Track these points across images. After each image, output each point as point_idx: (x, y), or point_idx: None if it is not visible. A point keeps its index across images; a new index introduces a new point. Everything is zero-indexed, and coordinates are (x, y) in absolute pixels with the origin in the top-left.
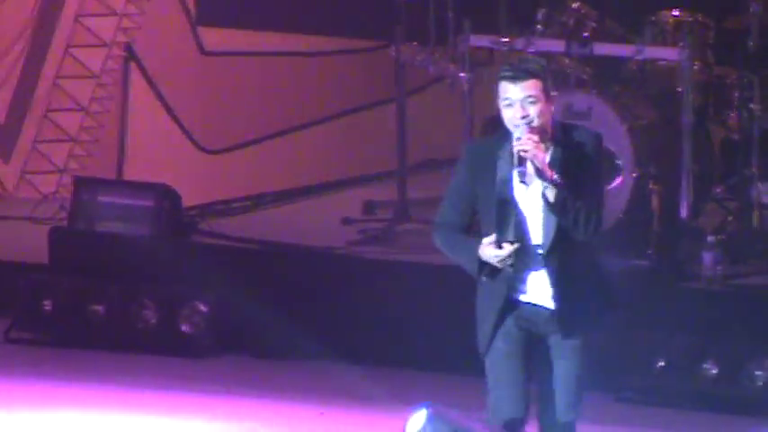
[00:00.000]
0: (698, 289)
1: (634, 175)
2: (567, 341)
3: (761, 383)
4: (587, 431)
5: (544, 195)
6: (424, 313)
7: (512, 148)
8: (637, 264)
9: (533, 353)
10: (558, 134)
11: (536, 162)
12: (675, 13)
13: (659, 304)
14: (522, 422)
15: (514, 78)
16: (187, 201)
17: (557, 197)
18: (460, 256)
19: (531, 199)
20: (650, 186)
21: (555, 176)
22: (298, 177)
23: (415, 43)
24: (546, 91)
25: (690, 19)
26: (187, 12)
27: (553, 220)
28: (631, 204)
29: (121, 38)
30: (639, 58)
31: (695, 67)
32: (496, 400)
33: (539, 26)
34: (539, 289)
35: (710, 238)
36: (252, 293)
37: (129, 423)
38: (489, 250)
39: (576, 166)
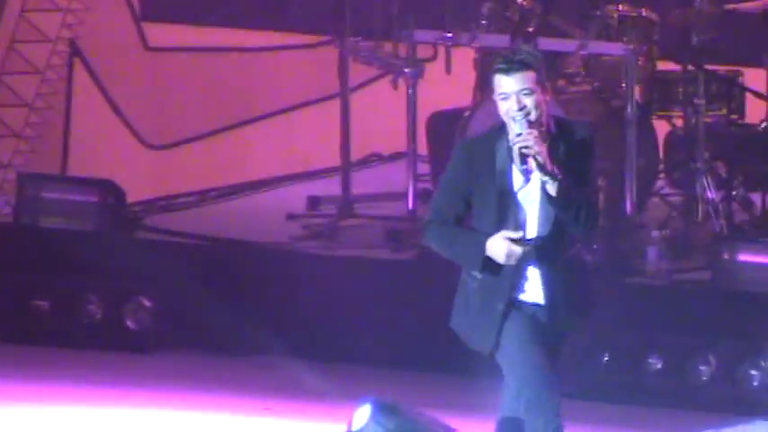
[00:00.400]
0: (642, 284)
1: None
2: (551, 339)
3: (705, 378)
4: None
5: (544, 189)
6: (368, 308)
7: (509, 143)
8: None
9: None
10: (553, 128)
11: (538, 158)
12: (620, 8)
13: (603, 299)
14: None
15: (509, 70)
16: (132, 196)
17: (559, 191)
18: (458, 249)
19: (529, 194)
20: None
21: (556, 170)
22: (242, 173)
23: (360, 39)
24: (541, 82)
25: (634, 14)
26: (131, 7)
27: (550, 214)
28: None
29: (66, 34)
30: (584, 53)
31: (639, 62)
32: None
33: (483, 21)
34: (531, 285)
35: (655, 233)
36: (197, 289)
37: (73, 418)
38: (502, 245)
39: (573, 160)
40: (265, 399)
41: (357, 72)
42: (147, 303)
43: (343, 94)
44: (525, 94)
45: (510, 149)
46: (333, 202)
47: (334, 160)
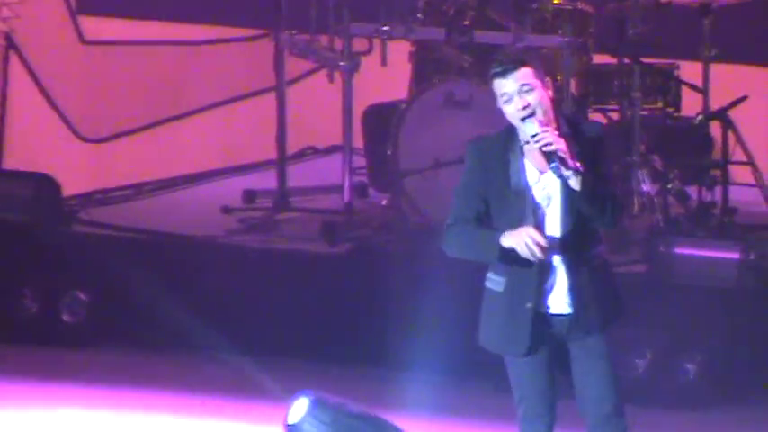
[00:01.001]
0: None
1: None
2: (589, 342)
3: (641, 371)
4: (466, 423)
5: (566, 185)
6: (305, 302)
7: (521, 142)
8: None
9: (561, 359)
10: (565, 128)
11: (560, 153)
12: (555, 1)
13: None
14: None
15: (504, 72)
16: (68, 190)
17: (584, 185)
18: (476, 245)
19: (544, 191)
20: None
21: (578, 164)
22: (178, 166)
23: (296, 32)
24: (539, 77)
25: (569, 7)
26: (67, 1)
27: (570, 211)
28: None
29: (1, 27)
30: (520, 45)
31: (575, 55)
32: (526, 409)
33: (419, 14)
34: (556, 294)
35: None
36: (133, 283)
37: (7, 415)
38: (522, 233)
39: (588, 158)
40: (200, 394)
41: (293, 65)
42: (82, 297)
43: (279, 87)
44: (526, 92)
45: (522, 148)
46: (268, 196)
47: (270, 153)
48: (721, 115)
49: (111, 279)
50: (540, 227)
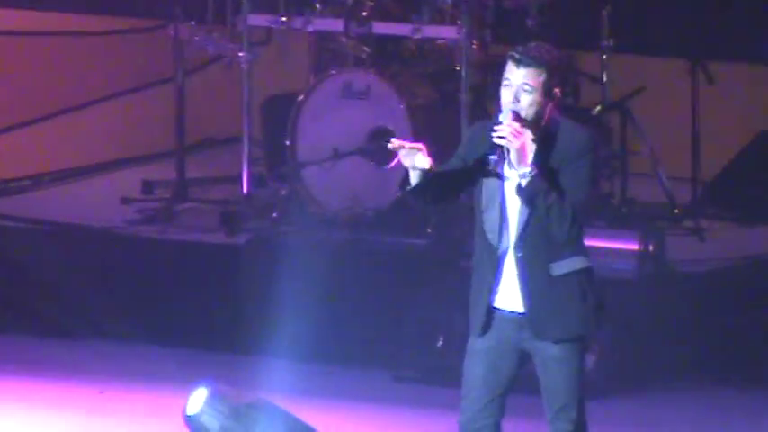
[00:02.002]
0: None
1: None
2: (546, 348)
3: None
4: (364, 410)
5: (519, 186)
6: (202, 292)
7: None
8: (415, 242)
9: (518, 360)
10: (553, 130)
11: (512, 149)
12: None
13: (437, 282)
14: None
15: (519, 62)
16: None
17: (528, 186)
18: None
19: (512, 195)
20: None
21: (532, 165)
22: (77, 157)
23: (194, 22)
24: (547, 84)
25: None
26: None
27: (530, 215)
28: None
29: None
30: (418, 36)
31: (473, 46)
32: (464, 401)
33: (317, 5)
34: (510, 288)
35: None
36: (32, 272)
37: None
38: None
39: (567, 163)
40: (100, 382)
41: (191, 56)
42: None
43: (178, 78)
44: (525, 90)
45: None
46: (167, 186)
47: (169, 144)
48: (620, 106)
49: (11, 268)
50: (502, 213)
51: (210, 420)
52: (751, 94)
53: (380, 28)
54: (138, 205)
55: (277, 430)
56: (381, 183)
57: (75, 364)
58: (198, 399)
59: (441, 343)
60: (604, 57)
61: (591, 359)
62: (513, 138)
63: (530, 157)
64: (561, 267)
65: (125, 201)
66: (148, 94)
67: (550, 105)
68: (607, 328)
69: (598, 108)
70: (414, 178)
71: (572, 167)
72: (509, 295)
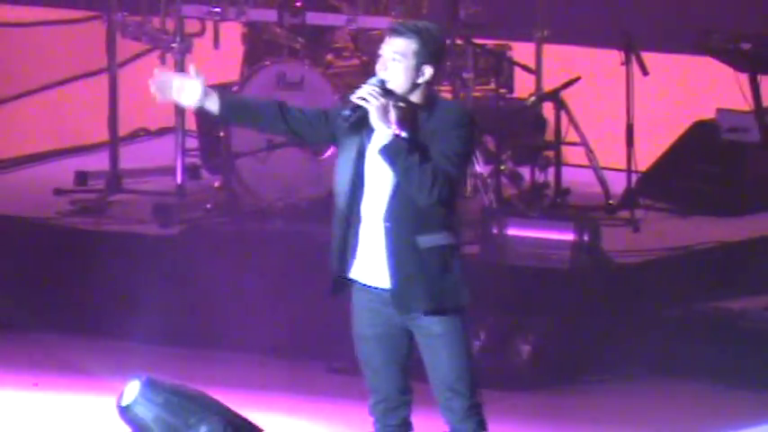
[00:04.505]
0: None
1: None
2: (424, 323)
3: (474, 352)
4: (298, 402)
5: (380, 147)
6: (137, 283)
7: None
8: None
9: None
10: (429, 107)
11: (370, 109)
12: None
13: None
14: (404, 404)
15: (392, 32)
16: None
17: (389, 144)
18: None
19: (380, 169)
20: None
21: (396, 128)
22: (9, 148)
23: (127, 14)
24: (418, 56)
25: None
26: None
27: (397, 185)
28: None
29: None
30: (352, 27)
31: None
32: (368, 386)
33: None
34: (374, 262)
35: None
36: None
37: None
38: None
39: (439, 136)
40: (34, 374)
41: (125, 47)
42: None
43: (111, 69)
44: (394, 59)
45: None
46: (101, 177)
47: (103, 135)
48: (554, 96)
49: None
50: (360, 179)
51: (144, 411)
52: (686, 85)
53: (314, 18)
54: (72, 196)
55: (212, 421)
56: (316, 173)
57: (8, 356)
58: (132, 390)
59: None
60: (538, 47)
61: (525, 350)
62: (371, 97)
63: (392, 119)
64: (428, 241)
65: (58, 192)
66: (82, 84)
67: (423, 85)
68: (542, 318)
69: (532, 98)
70: (212, 107)
71: (444, 139)
72: (373, 269)
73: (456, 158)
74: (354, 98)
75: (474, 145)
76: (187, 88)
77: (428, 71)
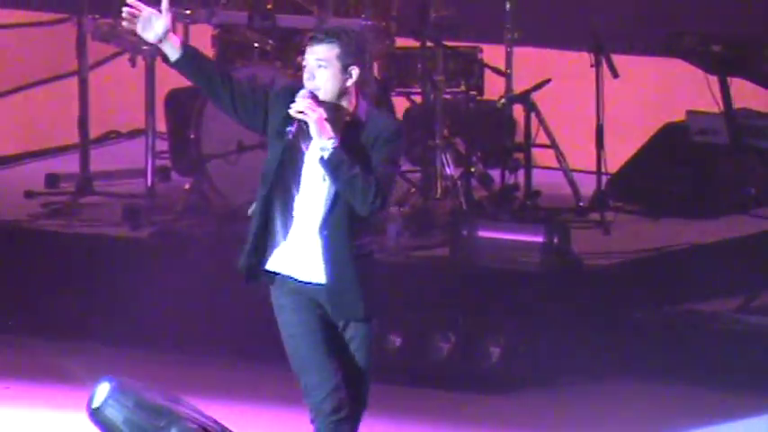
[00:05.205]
0: (381, 260)
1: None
2: (362, 326)
3: (445, 355)
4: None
5: (321, 158)
6: (109, 286)
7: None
8: None
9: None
10: (361, 116)
11: (310, 123)
12: None
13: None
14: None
15: (312, 41)
16: None
17: (330, 158)
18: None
19: (317, 177)
20: None
21: (332, 138)
22: None
23: (98, 16)
24: (342, 59)
25: None
26: None
27: (336, 195)
28: None
29: None
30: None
31: (378, 39)
32: (304, 386)
33: None
34: (306, 264)
35: (394, 210)
36: None
37: None
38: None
39: (372, 150)
40: (4, 378)
41: (95, 50)
42: None
43: (82, 71)
44: (320, 66)
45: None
46: (71, 180)
47: (73, 137)
48: (524, 98)
49: None
50: (297, 186)
51: (114, 413)
52: (656, 87)
53: (285, 20)
54: (43, 199)
55: (182, 424)
56: None
57: None
58: (102, 392)
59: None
60: (509, 49)
61: (496, 352)
62: (309, 111)
63: (329, 131)
64: (360, 248)
65: (29, 194)
66: (52, 87)
67: (353, 87)
68: (513, 321)
69: (502, 101)
70: (169, 51)
71: (379, 150)
72: (306, 266)
73: (391, 169)
74: (292, 113)
75: (402, 156)
76: (152, 24)
77: (355, 72)
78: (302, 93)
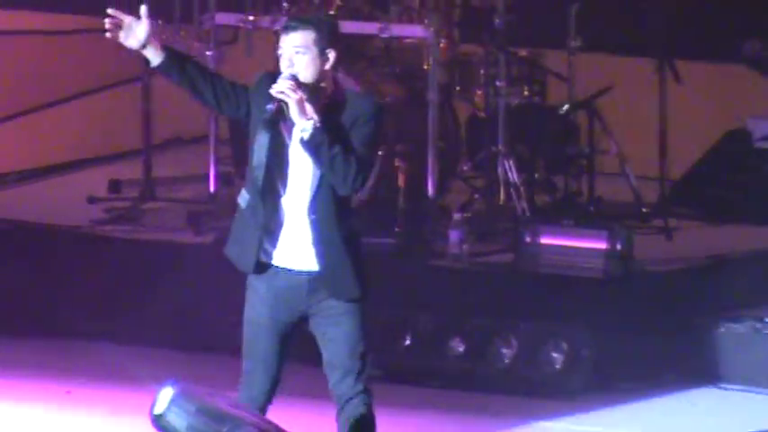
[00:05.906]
0: (444, 266)
1: (380, 152)
2: (337, 304)
3: (507, 361)
4: (328, 409)
5: (302, 139)
6: (170, 291)
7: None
8: (383, 241)
9: (300, 323)
10: (339, 98)
11: (290, 103)
12: None
13: (405, 282)
14: (268, 396)
15: (286, 29)
16: None
17: (312, 137)
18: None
19: (302, 161)
20: (396, 164)
21: (315, 119)
22: (43, 156)
23: (161, 21)
24: (318, 43)
25: None
26: None
27: (321, 177)
28: (378, 182)
29: None
30: (385, 35)
31: (441, 45)
32: (247, 372)
33: (285, 4)
34: (297, 246)
35: (457, 216)
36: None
37: None
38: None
39: (353, 129)
40: (67, 382)
41: None
42: None
43: (145, 77)
44: (298, 52)
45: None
46: (134, 186)
47: (136, 143)
48: (587, 104)
49: None
50: (284, 170)
51: (177, 419)
52: (719, 93)
53: (348, 26)
54: (105, 204)
55: (244, 429)
56: None
57: (42, 365)
58: (164, 398)
59: (408, 343)
60: (572, 55)
61: (560, 359)
62: (290, 91)
63: (310, 111)
64: (346, 228)
65: (92, 200)
66: (116, 92)
67: (330, 71)
68: (575, 327)
69: (566, 107)
70: (151, 56)
71: (359, 129)
72: (297, 254)
73: (370, 148)
74: (273, 92)
75: (381, 134)
76: (134, 30)
77: (332, 55)
78: (284, 75)
